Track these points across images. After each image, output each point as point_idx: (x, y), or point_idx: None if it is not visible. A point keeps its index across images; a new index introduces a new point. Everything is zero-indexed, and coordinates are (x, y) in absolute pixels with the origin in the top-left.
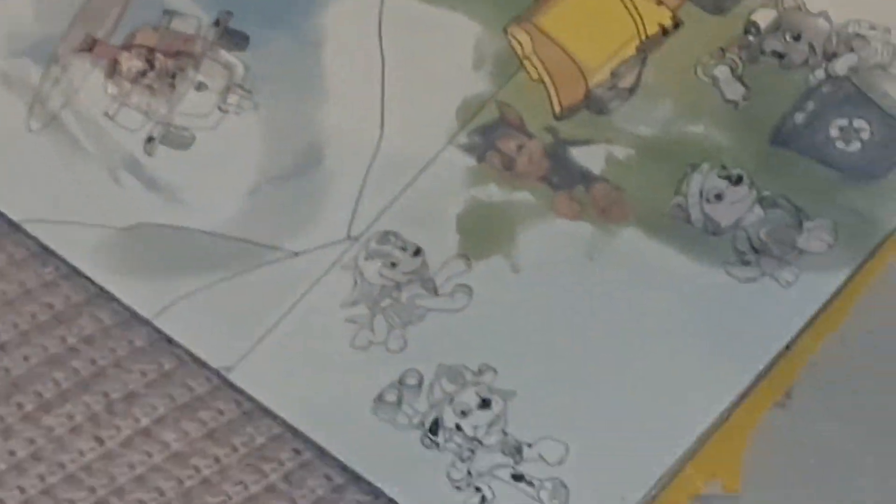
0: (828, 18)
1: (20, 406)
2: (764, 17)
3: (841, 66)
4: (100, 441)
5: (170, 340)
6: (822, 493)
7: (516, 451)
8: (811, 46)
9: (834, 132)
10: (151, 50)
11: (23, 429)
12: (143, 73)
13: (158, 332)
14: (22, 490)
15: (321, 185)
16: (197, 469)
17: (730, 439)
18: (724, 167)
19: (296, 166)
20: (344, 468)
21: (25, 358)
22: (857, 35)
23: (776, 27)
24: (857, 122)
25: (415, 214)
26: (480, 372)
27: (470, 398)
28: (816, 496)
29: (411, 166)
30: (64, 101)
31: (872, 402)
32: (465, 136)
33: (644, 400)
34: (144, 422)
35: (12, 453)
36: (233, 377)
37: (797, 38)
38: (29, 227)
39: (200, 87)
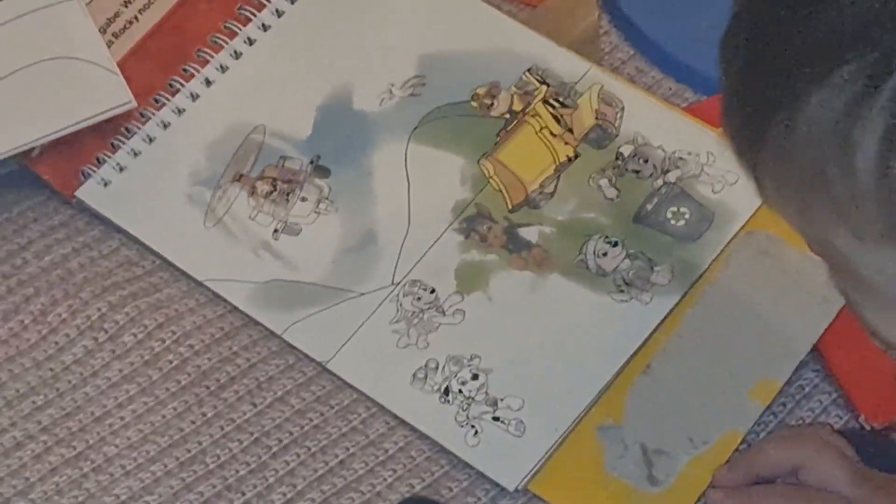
0: (663, 149)
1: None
2: (626, 150)
3: (671, 176)
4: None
5: (291, 346)
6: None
7: (494, 403)
8: (654, 166)
9: (669, 215)
10: (274, 179)
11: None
12: (270, 193)
13: (285, 341)
14: None
15: (375, 254)
16: None
17: (617, 392)
18: (607, 237)
19: (360, 243)
20: (395, 416)
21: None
22: (680, 158)
23: (634, 154)
24: (683, 209)
25: (431, 269)
26: (472, 359)
27: (466, 374)
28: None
29: (427, 242)
30: (225, 210)
31: (708, 365)
32: (457, 224)
33: (566, 371)
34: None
35: None
36: (331, 366)
37: (646, 160)
38: (208, 283)
39: (303, 199)
